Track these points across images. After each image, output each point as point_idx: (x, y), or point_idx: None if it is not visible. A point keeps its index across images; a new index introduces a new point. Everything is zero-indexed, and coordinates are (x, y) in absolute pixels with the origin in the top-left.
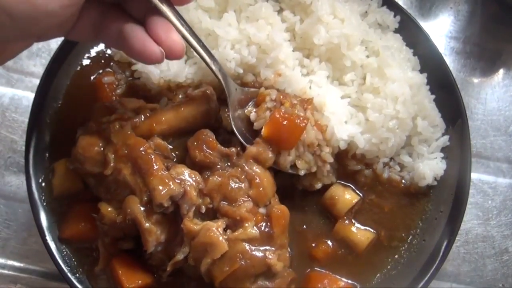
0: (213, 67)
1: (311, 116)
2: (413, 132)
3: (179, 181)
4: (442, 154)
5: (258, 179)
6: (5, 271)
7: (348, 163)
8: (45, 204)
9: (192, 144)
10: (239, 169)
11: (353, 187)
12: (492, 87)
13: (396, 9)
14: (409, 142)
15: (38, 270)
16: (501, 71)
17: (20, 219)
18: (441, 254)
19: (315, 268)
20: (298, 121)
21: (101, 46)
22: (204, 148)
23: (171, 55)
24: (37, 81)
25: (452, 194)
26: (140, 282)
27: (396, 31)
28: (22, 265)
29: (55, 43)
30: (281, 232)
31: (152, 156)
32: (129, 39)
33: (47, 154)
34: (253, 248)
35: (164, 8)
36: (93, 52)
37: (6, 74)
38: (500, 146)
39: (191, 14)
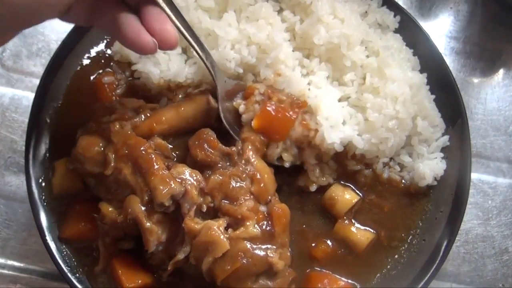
0: (203, 57)
1: (300, 115)
2: (413, 132)
3: (180, 180)
4: (442, 154)
5: (259, 175)
6: (5, 271)
7: (347, 163)
8: (45, 204)
9: (193, 143)
10: (240, 168)
11: (353, 187)
12: (492, 87)
13: (396, 9)
14: (409, 142)
15: (38, 270)
16: (501, 71)
17: (20, 219)
18: (441, 254)
19: (315, 268)
20: (288, 114)
21: (101, 46)
22: (206, 147)
23: (164, 46)
24: (37, 81)
25: (452, 194)
26: (140, 282)
27: (396, 31)
28: (22, 265)
29: (55, 43)
30: (282, 231)
31: (153, 156)
32: (123, 28)
33: (47, 154)
34: (254, 246)
35: None
36: (93, 52)
37: (6, 74)
38: (500, 146)
39: (191, 14)
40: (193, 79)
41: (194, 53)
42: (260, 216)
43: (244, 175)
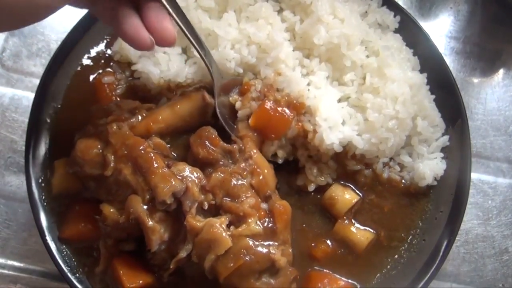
0: (201, 53)
1: (296, 117)
2: (413, 132)
3: (180, 178)
4: (442, 154)
5: (258, 168)
6: (5, 271)
7: (347, 163)
8: (45, 204)
9: (194, 141)
10: (242, 165)
11: (353, 187)
12: (492, 87)
13: (396, 9)
14: (409, 142)
15: (38, 270)
16: (501, 71)
17: (20, 219)
18: (441, 254)
19: (315, 268)
20: (287, 115)
21: (101, 46)
22: (207, 144)
23: (162, 43)
24: (37, 81)
25: (452, 194)
26: (141, 282)
27: (396, 31)
28: (22, 265)
29: (55, 43)
30: (284, 228)
31: (152, 155)
32: (122, 23)
33: (47, 154)
34: (257, 243)
35: None
36: (93, 52)
37: (6, 74)
38: (500, 146)
39: (191, 14)
40: (193, 79)
41: (195, 52)
42: (262, 213)
43: (245, 173)
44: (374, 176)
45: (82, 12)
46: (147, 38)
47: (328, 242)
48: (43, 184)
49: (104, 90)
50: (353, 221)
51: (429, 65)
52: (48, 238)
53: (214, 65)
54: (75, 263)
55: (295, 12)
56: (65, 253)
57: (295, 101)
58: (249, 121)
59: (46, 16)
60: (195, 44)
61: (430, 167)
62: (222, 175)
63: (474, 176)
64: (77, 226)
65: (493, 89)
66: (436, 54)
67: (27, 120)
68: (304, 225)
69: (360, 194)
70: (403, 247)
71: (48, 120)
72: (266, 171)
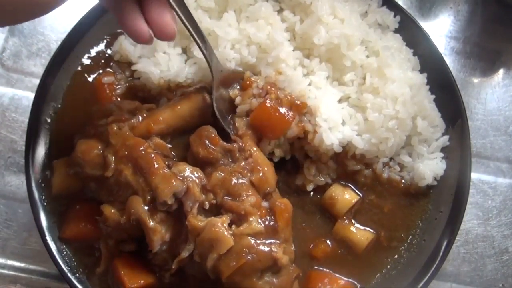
0: (200, 44)
1: (297, 117)
2: (413, 132)
3: (181, 178)
4: (442, 154)
5: (259, 166)
6: (5, 271)
7: (347, 163)
8: (45, 204)
9: (194, 140)
10: (242, 164)
11: (353, 187)
12: (492, 87)
13: (396, 9)
14: (409, 142)
15: (38, 270)
16: (501, 71)
17: (20, 219)
18: (441, 254)
19: (315, 267)
20: (287, 116)
21: (101, 46)
22: (207, 144)
23: (161, 37)
24: (37, 81)
25: (452, 194)
26: (142, 282)
27: (396, 31)
28: (22, 265)
29: (55, 43)
30: (285, 226)
31: (153, 155)
32: (123, 14)
33: (47, 154)
34: (258, 242)
35: None
36: (93, 52)
37: (6, 74)
38: (500, 146)
39: None
40: (193, 79)
41: (195, 52)
42: (263, 211)
43: (245, 171)
44: (374, 176)
45: (82, 12)
46: (146, 32)
47: (328, 242)
48: (43, 184)
49: (104, 90)
50: (353, 221)
51: (429, 65)
52: (48, 238)
53: (214, 58)
54: (75, 263)
55: (295, 12)
56: (65, 253)
57: (297, 101)
58: (249, 118)
59: (52, 9)
60: (195, 35)
61: (430, 167)
62: (223, 174)
63: (474, 176)
64: (77, 226)
65: (493, 89)
66: (436, 54)
67: (27, 120)
68: (304, 225)
69: (360, 194)
70: (403, 247)
71: (48, 120)
72: (266, 168)
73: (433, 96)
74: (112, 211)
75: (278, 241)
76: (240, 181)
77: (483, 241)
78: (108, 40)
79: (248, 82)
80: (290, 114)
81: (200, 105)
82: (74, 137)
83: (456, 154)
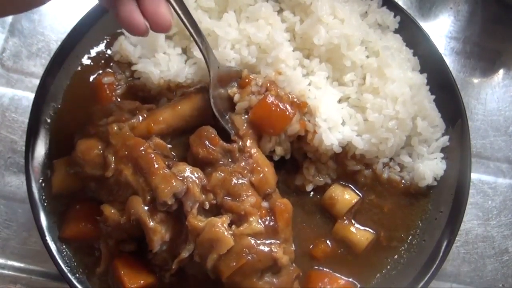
0: (197, 39)
1: (297, 114)
2: (413, 132)
3: (181, 178)
4: (442, 155)
5: (259, 167)
6: (5, 271)
7: (347, 163)
8: (45, 204)
9: (194, 141)
10: (242, 164)
11: (353, 187)
12: (492, 87)
13: (396, 9)
14: (409, 142)
15: (38, 271)
16: (501, 71)
17: (20, 219)
18: (441, 254)
19: (315, 267)
20: (288, 112)
21: (101, 46)
22: (207, 144)
23: (156, 29)
24: (37, 81)
25: (452, 194)
26: (142, 282)
27: (396, 31)
28: (22, 265)
29: (55, 43)
30: (285, 226)
31: (153, 155)
32: (118, 6)
33: (47, 154)
34: (258, 242)
35: None
36: (93, 52)
37: (6, 75)
38: (500, 147)
39: None
40: (193, 79)
41: (195, 53)
42: (263, 211)
43: (245, 171)
44: (374, 176)
45: (82, 12)
46: (141, 23)
47: (328, 242)
48: (43, 184)
49: (104, 91)
50: (353, 221)
51: (429, 65)
52: (48, 238)
53: (212, 55)
54: (75, 263)
55: (295, 12)
56: (65, 253)
57: (297, 100)
58: (248, 114)
59: (37, 6)
60: (192, 31)
61: (430, 167)
62: (223, 174)
63: (474, 176)
64: (77, 226)
65: (493, 90)
66: (436, 54)
67: (27, 120)
68: (304, 225)
69: (360, 194)
70: (403, 247)
71: (48, 120)
72: (266, 169)
73: (433, 96)
74: (112, 211)
75: (278, 241)
76: (240, 181)
77: (483, 242)
78: (108, 40)
79: (247, 80)
80: (290, 110)
81: (200, 105)
82: (74, 137)
83: (456, 155)
